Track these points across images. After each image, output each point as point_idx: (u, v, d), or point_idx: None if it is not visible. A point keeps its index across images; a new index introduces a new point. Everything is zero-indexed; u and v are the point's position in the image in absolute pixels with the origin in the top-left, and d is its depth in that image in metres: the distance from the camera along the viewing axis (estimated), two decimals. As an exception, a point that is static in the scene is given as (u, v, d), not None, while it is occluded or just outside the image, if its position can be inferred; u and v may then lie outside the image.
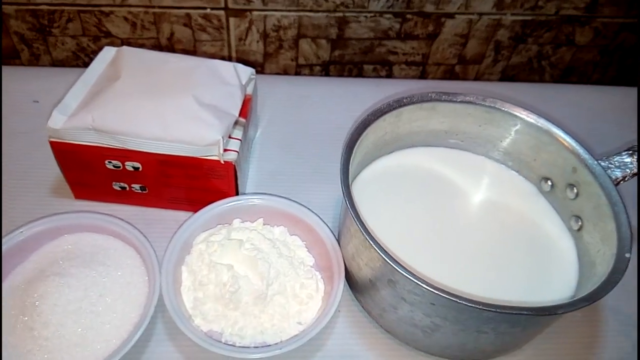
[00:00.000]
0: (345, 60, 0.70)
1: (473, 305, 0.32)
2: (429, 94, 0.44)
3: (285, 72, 0.71)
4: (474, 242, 0.44)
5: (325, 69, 0.71)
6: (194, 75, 0.47)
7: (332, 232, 0.46)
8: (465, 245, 0.44)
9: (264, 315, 0.43)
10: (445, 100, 0.45)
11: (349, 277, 0.44)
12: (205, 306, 0.43)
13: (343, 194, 0.38)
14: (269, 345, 0.41)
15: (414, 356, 0.43)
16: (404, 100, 0.44)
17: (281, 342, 0.41)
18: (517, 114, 0.44)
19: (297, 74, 0.71)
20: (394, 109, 0.44)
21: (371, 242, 0.35)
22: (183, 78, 0.46)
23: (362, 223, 0.36)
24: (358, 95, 0.65)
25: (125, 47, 0.49)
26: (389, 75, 0.72)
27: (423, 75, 0.73)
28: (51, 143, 0.44)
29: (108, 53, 0.50)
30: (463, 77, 0.73)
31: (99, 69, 0.48)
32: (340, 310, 0.45)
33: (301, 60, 0.70)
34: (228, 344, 0.41)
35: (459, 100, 0.45)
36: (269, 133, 0.60)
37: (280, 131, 0.60)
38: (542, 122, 0.44)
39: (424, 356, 0.43)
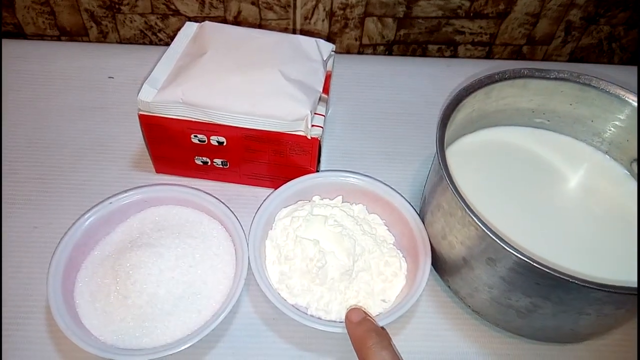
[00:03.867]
0: (410, 40, 0.69)
1: (590, 285, 0.31)
2: (522, 70, 0.43)
3: (348, 52, 0.70)
4: (563, 225, 0.43)
5: (389, 49, 0.70)
6: (278, 50, 0.47)
7: (415, 210, 0.46)
8: (554, 227, 0.43)
9: (349, 292, 0.43)
10: (538, 77, 0.43)
11: (433, 256, 0.44)
12: (291, 280, 0.43)
13: (442, 170, 0.37)
14: (356, 321, 0.41)
15: (501, 337, 0.42)
16: (496, 77, 0.43)
17: (367, 318, 0.41)
18: (615, 93, 0.43)
19: (360, 53, 0.70)
20: (485, 85, 0.43)
21: (475, 219, 0.35)
22: (268, 53, 0.46)
23: (464, 200, 0.36)
24: (428, 75, 0.64)
25: (207, 23, 0.49)
26: (453, 56, 0.71)
27: (489, 56, 0.71)
28: (140, 116, 0.45)
29: (189, 28, 0.50)
30: (530, 58, 0.71)
31: (182, 44, 0.48)
32: (423, 289, 0.45)
33: (365, 40, 0.69)
34: (315, 318, 0.41)
35: (552, 76, 0.43)
36: (336, 111, 0.59)
37: (348, 110, 0.60)
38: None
39: (513, 337, 0.42)
